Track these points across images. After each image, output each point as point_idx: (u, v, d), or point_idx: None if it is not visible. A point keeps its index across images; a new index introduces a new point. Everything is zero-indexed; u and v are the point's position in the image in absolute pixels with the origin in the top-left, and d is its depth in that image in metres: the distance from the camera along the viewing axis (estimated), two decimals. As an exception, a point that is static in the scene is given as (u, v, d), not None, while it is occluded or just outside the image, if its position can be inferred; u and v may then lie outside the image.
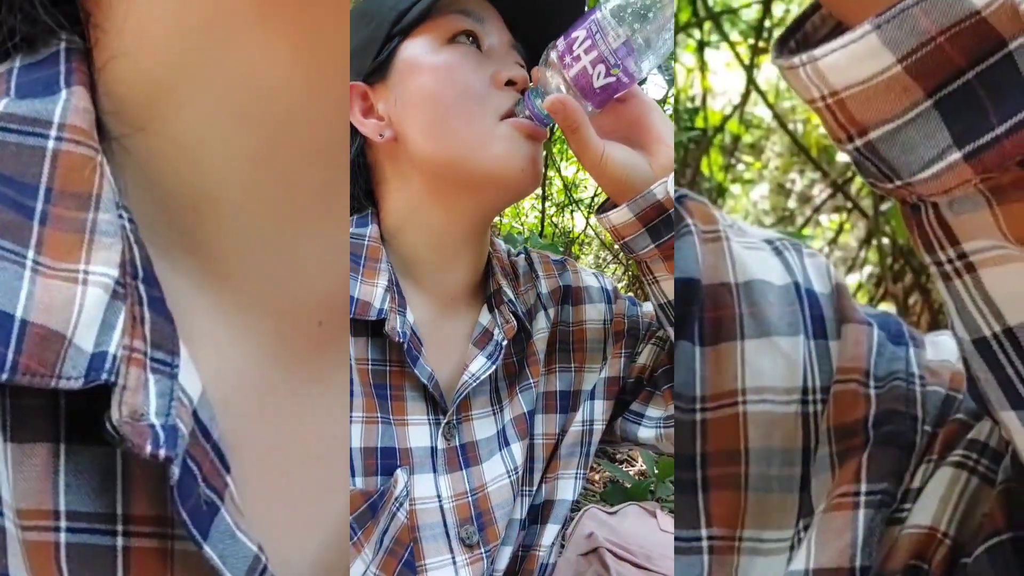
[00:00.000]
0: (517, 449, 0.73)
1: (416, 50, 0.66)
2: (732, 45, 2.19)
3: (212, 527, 0.35)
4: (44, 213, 0.34)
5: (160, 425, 0.33)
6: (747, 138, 3.59)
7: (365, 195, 0.73)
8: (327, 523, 0.43)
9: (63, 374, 0.32)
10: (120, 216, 0.36)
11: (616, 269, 3.25)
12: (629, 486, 1.56)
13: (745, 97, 2.45)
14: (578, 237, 3.29)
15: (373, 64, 0.67)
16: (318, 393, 0.44)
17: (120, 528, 0.34)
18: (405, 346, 0.65)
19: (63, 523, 0.33)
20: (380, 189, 0.72)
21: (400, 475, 0.63)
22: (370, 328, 0.65)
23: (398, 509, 0.62)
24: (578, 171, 3.12)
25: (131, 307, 0.35)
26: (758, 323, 0.49)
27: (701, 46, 2.44)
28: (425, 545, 0.64)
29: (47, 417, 0.33)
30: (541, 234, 2.85)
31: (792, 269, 0.52)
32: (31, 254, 0.33)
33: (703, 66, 2.60)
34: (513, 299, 0.75)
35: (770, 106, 2.39)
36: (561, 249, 2.23)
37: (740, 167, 3.66)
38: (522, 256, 0.84)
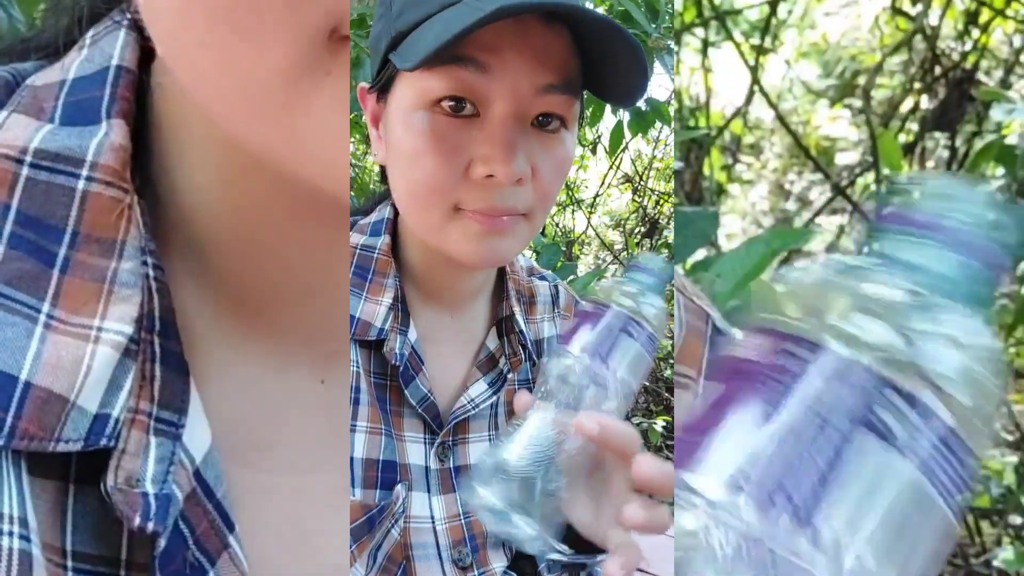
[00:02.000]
0: None
1: (401, 95, 0.56)
2: (737, 45, 2.18)
3: None
4: (66, 260, 0.33)
5: (154, 494, 0.33)
6: (747, 138, 3.60)
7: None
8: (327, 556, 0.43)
9: (63, 437, 0.31)
10: (144, 263, 0.35)
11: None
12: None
13: (749, 97, 2.45)
14: (579, 237, 3.30)
15: (375, 79, 0.60)
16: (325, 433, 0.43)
17: (123, 574, 0.34)
18: (400, 368, 0.63)
19: (70, 563, 0.33)
20: None
21: (400, 491, 0.62)
22: (372, 343, 0.64)
23: (393, 525, 0.61)
24: (579, 170, 3.13)
25: (142, 365, 0.34)
26: None
27: (705, 46, 2.44)
28: (417, 564, 0.63)
29: (59, 455, 0.33)
30: (543, 233, 2.86)
31: None
32: (46, 307, 0.32)
33: (706, 66, 2.60)
34: (524, 330, 0.73)
35: (773, 106, 2.39)
36: (563, 248, 2.23)
37: (739, 168, 3.66)
38: (547, 283, 0.81)
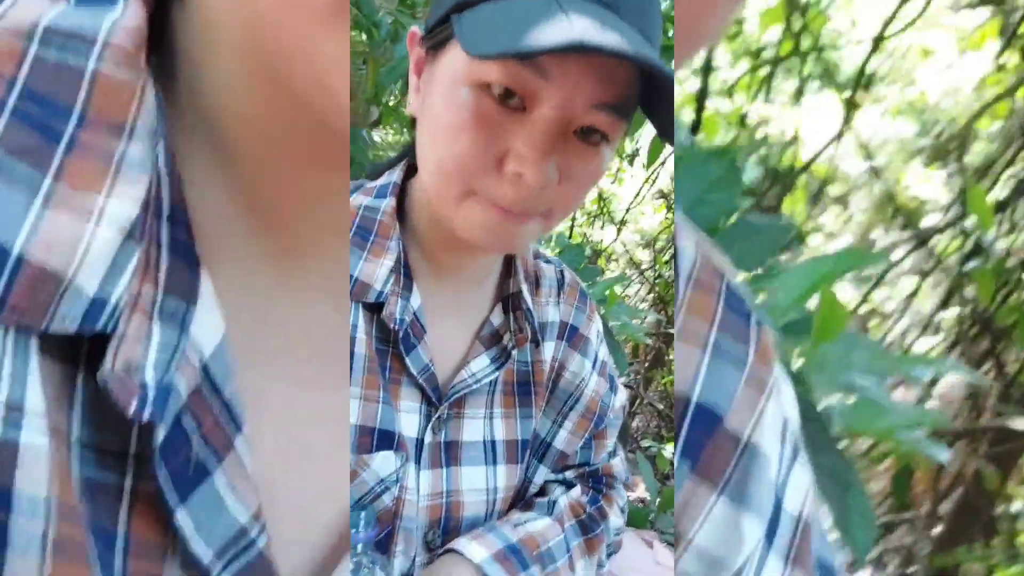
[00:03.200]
0: (503, 472, 0.71)
1: (452, 61, 0.54)
2: (838, 88, 2.18)
3: (196, 490, 0.34)
4: (72, 139, 0.32)
5: (153, 382, 0.32)
6: (833, 190, 3.56)
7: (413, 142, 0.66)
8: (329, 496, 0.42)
9: (57, 316, 0.30)
10: (155, 146, 0.33)
11: (642, 288, 3.24)
12: (627, 512, 1.56)
13: (839, 137, 2.44)
14: (605, 250, 3.27)
15: (429, 31, 0.57)
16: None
17: (131, 468, 0.33)
18: (401, 334, 0.63)
19: (75, 451, 0.32)
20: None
21: (390, 459, 0.61)
22: (373, 306, 0.63)
23: (383, 491, 0.61)
24: (613, 182, 3.12)
25: (147, 250, 0.33)
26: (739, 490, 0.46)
27: (802, 84, 2.44)
28: (400, 535, 0.63)
29: (68, 341, 0.32)
30: (568, 235, 2.86)
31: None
32: (47, 182, 0.31)
33: (798, 102, 2.60)
34: (531, 307, 0.72)
35: (864, 156, 2.37)
36: (588, 255, 2.22)
37: (823, 218, 3.63)
38: (552, 267, 0.79)
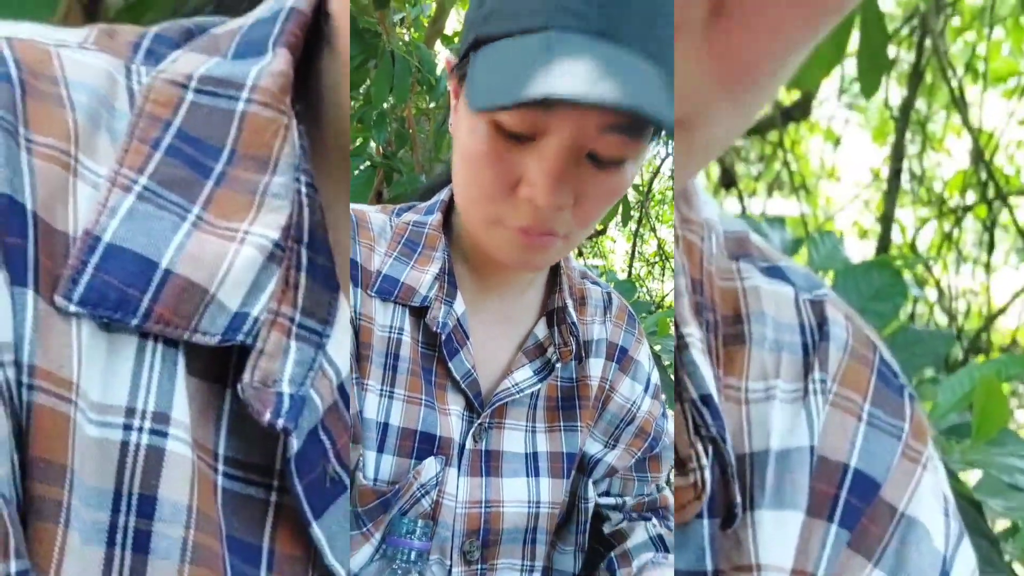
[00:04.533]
0: (547, 485, 0.70)
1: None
2: None
3: (332, 506, 0.35)
4: (222, 174, 0.35)
5: (289, 394, 0.33)
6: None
7: None
8: None
9: (200, 328, 0.32)
10: (297, 180, 0.36)
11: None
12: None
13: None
14: (663, 299, 3.17)
15: (459, 63, 0.57)
16: None
17: (275, 483, 0.34)
18: (444, 337, 0.65)
19: (220, 467, 0.34)
20: None
21: (432, 464, 0.62)
22: (417, 310, 0.65)
23: (423, 496, 0.62)
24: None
25: (286, 270, 0.35)
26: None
27: (990, 231, 2.38)
28: (435, 540, 0.64)
29: (220, 359, 0.34)
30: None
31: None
32: (196, 209, 0.34)
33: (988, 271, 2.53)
34: (576, 322, 0.73)
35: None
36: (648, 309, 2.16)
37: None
38: (600, 288, 0.79)
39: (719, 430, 0.41)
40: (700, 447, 0.42)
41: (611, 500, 0.78)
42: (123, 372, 0.32)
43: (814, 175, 4.17)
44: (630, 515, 0.78)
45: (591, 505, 0.74)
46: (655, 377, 0.80)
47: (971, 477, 1.06)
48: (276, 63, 0.37)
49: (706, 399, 0.42)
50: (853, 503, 0.45)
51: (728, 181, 3.78)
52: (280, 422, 0.32)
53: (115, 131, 0.34)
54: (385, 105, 1.86)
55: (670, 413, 0.80)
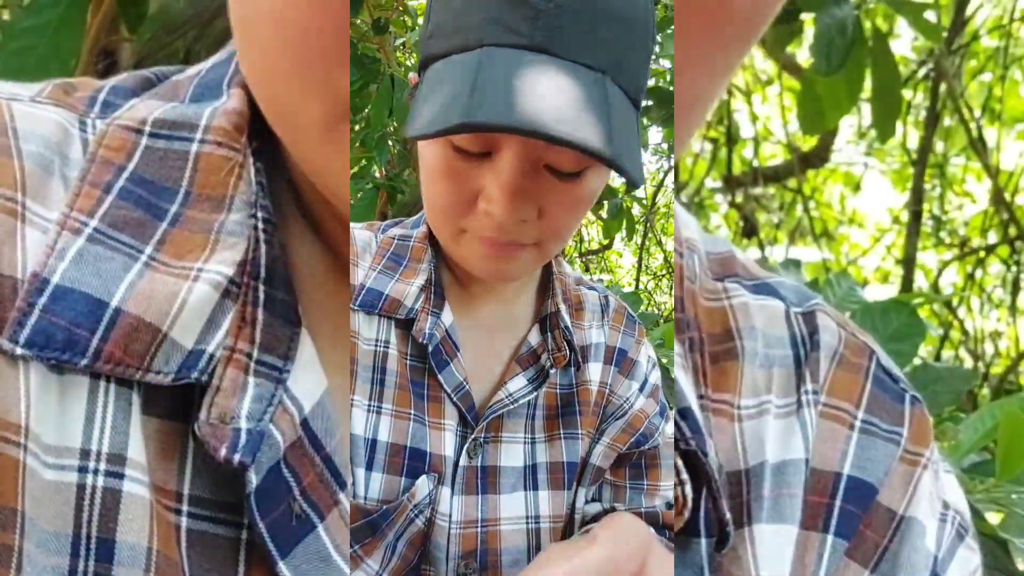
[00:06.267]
0: (546, 498, 0.67)
1: None
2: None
3: (299, 545, 0.34)
4: (176, 215, 0.35)
5: (247, 429, 0.32)
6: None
7: None
8: None
9: (153, 368, 0.32)
10: (253, 216, 0.36)
11: None
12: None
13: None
14: (670, 314, 3.16)
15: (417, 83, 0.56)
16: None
17: (245, 520, 0.33)
18: (431, 349, 0.63)
19: (185, 507, 0.33)
20: None
21: (424, 483, 0.61)
22: (404, 322, 0.64)
23: (417, 515, 0.61)
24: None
25: (243, 307, 0.34)
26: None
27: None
28: (430, 559, 0.62)
29: (180, 398, 0.33)
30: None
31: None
32: (148, 249, 0.33)
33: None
34: (569, 326, 0.70)
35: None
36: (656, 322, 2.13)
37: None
38: (597, 293, 0.77)
39: (699, 443, 0.41)
40: (680, 462, 0.41)
41: (598, 507, 0.73)
42: (76, 414, 0.31)
43: (835, 221, 4.16)
44: None
45: (578, 516, 0.71)
46: (654, 377, 0.78)
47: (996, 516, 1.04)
48: (231, 102, 0.37)
49: (684, 413, 0.42)
50: (849, 510, 0.45)
51: (749, 231, 3.78)
52: (236, 457, 0.31)
53: (68, 179, 0.34)
54: (390, 128, 1.88)
55: (671, 415, 0.77)
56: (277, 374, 0.34)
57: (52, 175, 0.34)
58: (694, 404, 0.43)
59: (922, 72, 3.08)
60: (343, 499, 0.36)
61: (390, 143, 1.92)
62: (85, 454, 0.31)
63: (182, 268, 0.33)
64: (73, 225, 0.33)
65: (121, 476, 0.31)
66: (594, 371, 0.73)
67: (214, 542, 0.33)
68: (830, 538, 0.45)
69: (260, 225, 0.36)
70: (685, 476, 0.41)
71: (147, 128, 0.36)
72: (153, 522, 0.31)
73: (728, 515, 0.42)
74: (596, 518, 0.72)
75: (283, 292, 0.36)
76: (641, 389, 0.75)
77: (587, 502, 0.72)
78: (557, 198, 0.53)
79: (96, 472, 0.31)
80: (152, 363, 0.32)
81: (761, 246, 3.78)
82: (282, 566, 0.33)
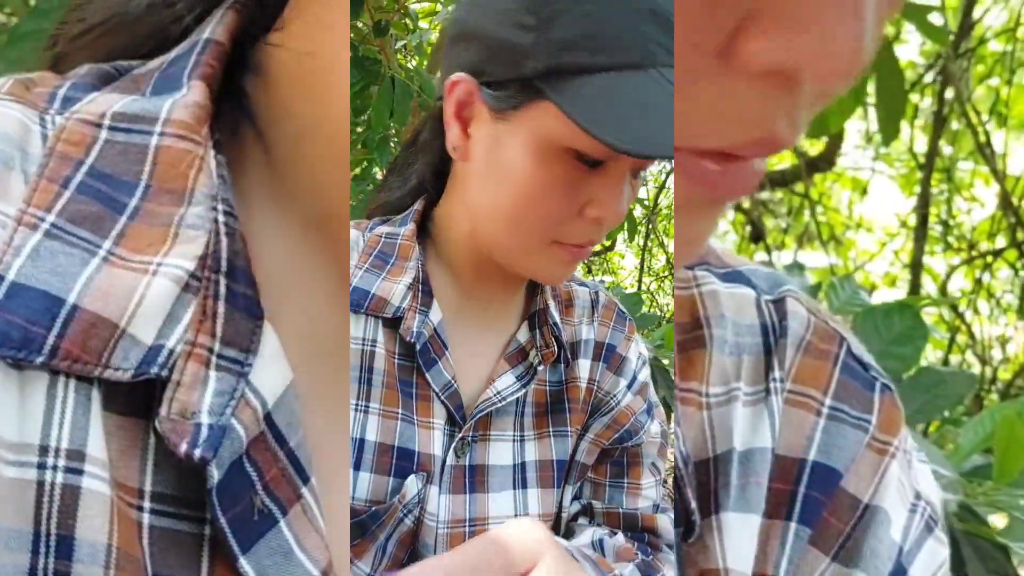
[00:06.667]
0: (535, 496, 0.68)
1: (539, 126, 0.55)
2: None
3: (261, 540, 0.34)
4: (135, 208, 0.34)
5: (208, 424, 0.32)
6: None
7: (432, 174, 0.69)
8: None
9: (111, 364, 0.31)
10: (214, 209, 0.35)
11: None
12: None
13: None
14: (672, 315, 3.18)
15: (501, 91, 0.56)
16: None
17: (208, 516, 0.33)
18: (419, 347, 0.63)
19: (147, 504, 0.32)
20: (447, 184, 0.69)
21: (413, 482, 0.60)
22: (391, 321, 0.64)
23: (406, 515, 0.60)
24: None
25: (203, 301, 0.34)
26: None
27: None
28: (419, 556, 0.62)
29: (142, 394, 0.33)
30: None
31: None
32: (107, 244, 0.33)
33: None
34: (558, 322, 0.71)
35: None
36: (656, 321, 2.14)
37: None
38: (587, 289, 0.78)
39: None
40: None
41: (578, 505, 0.73)
42: (36, 410, 0.31)
43: (843, 226, 4.15)
44: (598, 524, 0.73)
45: (566, 514, 0.71)
46: (643, 375, 0.78)
47: (999, 520, 1.04)
48: (191, 95, 0.36)
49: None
50: (813, 496, 0.45)
51: (757, 235, 3.78)
52: (197, 452, 0.31)
53: (29, 174, 0.34)
54: (391, 130, 1.89)
55: (661, 414, 0.78)
56: (239, 368, 0.34)
57: (12, 170, 0.33)
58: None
59: (929, 76, 3.07)
60: (306, 493, 0.36)
61: (391, 144, 1.93)
62: (44, 450, 0.31)
63: (141, 262, 0.33)
64: (30, 221, 0.32)
65: (80, 472, 0.31)
66: (583, 368, 0.73)
67: (177, 538, 0.33)
68: (793, 525, 0.45)
69: (221, 218, 0.35)
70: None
71: (106, 122, 0.35)
72: (114, 519, 0.31)
73: (693, 505, 0.42)
74: (575, 517, 0.72)
75: (244, 286, 0.35)
76: (629, 386, 0.75)
77: (572, 500, 0.72)
78: (631, 197, 0.59)
79: (55, 468, 0.30)
80: (111, 359, 0.31)
81: (768, 251, 3.77)
82: (243, 561, 0.33)
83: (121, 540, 0.31)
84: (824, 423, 0.46)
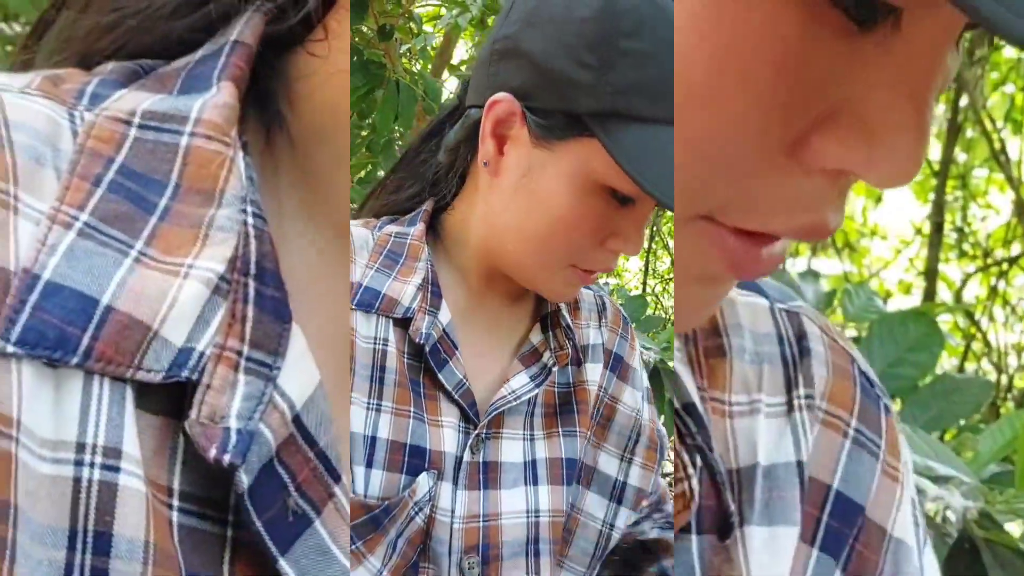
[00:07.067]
0: (546, 493, 0.69)
1: (580, 159, 0.57)
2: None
3: (298, 540, 0.34)
4: (166, 209, 0.34)
5: (236, 429, 0.32)
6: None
7: (455, 177, 0.70)
8: None
9: (143, 366, 0.31)
10: (243, 211, 0.35)
11: None
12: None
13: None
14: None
15: (545, 118, 0.58)
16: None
17: (231, 518, 0.34)
18: (428, 348, 0.64)
19: (175, 502, 0.33)
20: (464, 187, 0.70)
21: (425, 480, 0.62)
22: (401, 321, 0.65)
23: (417, 513, 0.61)
24: None
25: (233, 303, 0.34)
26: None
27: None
28: (430, 555, 0.63)
29: (173, 394, 0.33)
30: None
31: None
32: (139, 245, 0.33)
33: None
34: (571, 325, 0.73)
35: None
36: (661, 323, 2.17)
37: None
38: (592, 292, 0.80)
39: (704, 439, 0.42)
40: (687, 456, 0.42)
41: (642, 514, 0.77)
42: (71, 408, 0.31)
43: (857, 233, 4.14)
44: (650, 516, 0.79)
45: (618, 534, 0.73)
46: (646, 381, 0.80)
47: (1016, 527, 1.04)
48: (220, 95, 0.36)
49: (688, 408, 0.43)
50: (833, 526, 0.46)
51: (770, 242, 3.76)
52: (226, 458, 0.31)
53: (61, 170, 0.34)
54: (396, 134, 1.90)
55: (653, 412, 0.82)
56: (267, 371, 0.34)
57: (45, 166, 0.33)
58: (696, 400, 0.43)
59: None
60: (338, 492, 0.36)
61: (396, 148, 1.94)
62: (81, 447, 0.31)
63: (172, 264, 0.33)
64: (63, 219, 0.32)
65: (117, 469, 0.31)
66: (592, 372, 0.75)
67: (202, 537, 0.33)
68: (815, 552, 0.45)
69: (250, 220, 0.35)
70: (692, 471, 0.42)
71: (136, 119, 0.35)
72: (150, 515, 0.31)
73: (732, 506, 0.42)
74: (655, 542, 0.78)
75: (273, 288, 0.35)
76: (643, 396, 0.78)
77: (631, 525, 0.76)
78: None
79: (92, 465, 0.30)
80: (143, 361, 0.31)
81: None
82: (283, 562, 0.33)
83: (157, 536, 0.31)
84: (849, 446, 0.47)
